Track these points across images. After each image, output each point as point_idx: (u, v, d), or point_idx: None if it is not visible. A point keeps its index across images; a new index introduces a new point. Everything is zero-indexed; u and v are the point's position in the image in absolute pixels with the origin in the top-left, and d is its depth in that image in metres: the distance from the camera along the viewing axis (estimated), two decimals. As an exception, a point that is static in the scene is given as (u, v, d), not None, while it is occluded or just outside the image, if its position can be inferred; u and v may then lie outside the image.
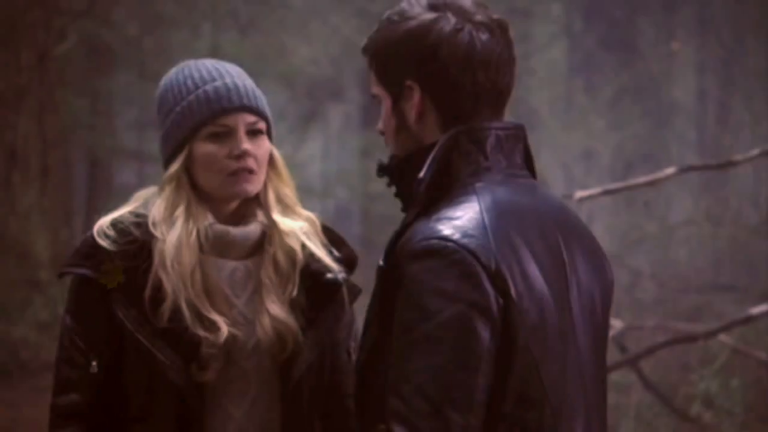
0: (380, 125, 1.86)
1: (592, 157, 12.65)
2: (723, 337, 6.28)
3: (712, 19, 13.41)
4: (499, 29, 1.79)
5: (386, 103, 1.84)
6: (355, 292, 2.22)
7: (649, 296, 8.36)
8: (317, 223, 2.24)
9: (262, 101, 2.19)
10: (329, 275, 2.17)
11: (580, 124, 12.51)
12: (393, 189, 1.85)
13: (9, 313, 7.68)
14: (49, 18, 8.19)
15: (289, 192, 2.21)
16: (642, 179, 4.61)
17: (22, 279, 7.91)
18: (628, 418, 6.25)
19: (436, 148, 1.76)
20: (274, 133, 2.21)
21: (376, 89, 1.85)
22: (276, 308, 2.10)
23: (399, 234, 1.76)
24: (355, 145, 13.86)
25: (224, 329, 2.05)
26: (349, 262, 2.23)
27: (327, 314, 2.16)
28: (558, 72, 13.34)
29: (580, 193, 4.60)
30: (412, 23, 1.79)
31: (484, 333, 1.66)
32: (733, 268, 11.02)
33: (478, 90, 1.77)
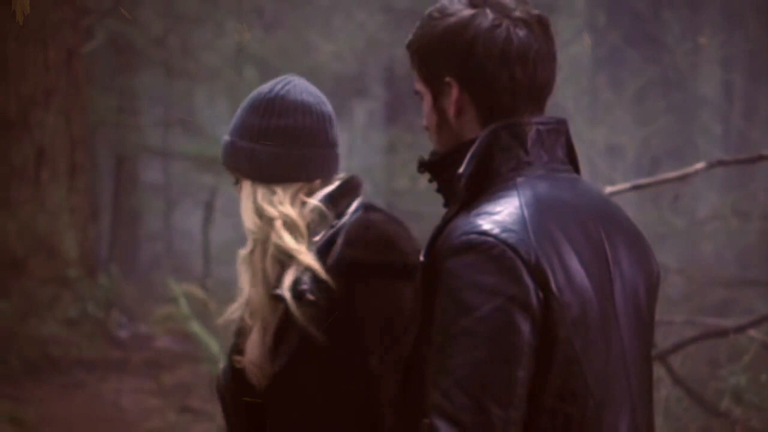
0: (424, 121, 1.88)
1: (618, 152, 12.61)
2: (751, 332, 6.26)
3: (739, 12, 13.35)
4: (538, 25, 1.80)
5: (427, 100, 1.85)
6: None
7: (676, 291, 8.34)
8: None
9: (237, 154, 2.31)
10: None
11: (605, 119, 12.48)
12: (434, 185, 1.86)
13: (39, 310, 7.73)
14: (77, 17, 8.24)
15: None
16: (671, 174, 4.59)
17: (52, 276, 7.96)
18: (657, 414, 6.22)
19: (476, 144, 1.77)
20: (255, 174, 2.31)
21: (419, 86, 1.86)
22: None
23: (440, 229, 1.77)
24: (379, 141, 13.87)
25: None
26: None
27: None
28: (582, 67, 13.31)
29: (609, 189, 4.58)
30: (451, 20, 1.80)
31: (524, 327, 1.66)
32: (760, 262, 10.96)
33: (515, 86, 1.77)
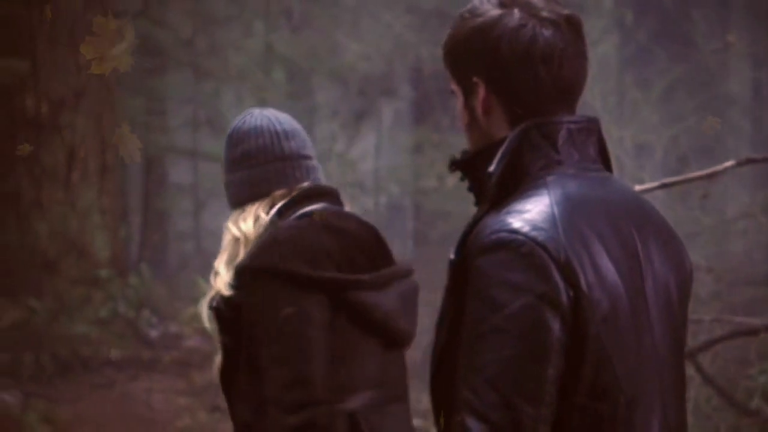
0: (459, 121, 1.90)
1: (646, 151, 12.56)
2: (781, 331, 6.22)
3: (767, 10, 13.26)
4: (566, 24, 1.80)
5: (459, 99, 1.87)
6: None
7: (705, 290, 8.29)
8: None
9: (224, 188, 2.67)
10: None
11: (633, 118, 12.43)
12: (464, 184, 1.87)
13: (70, 311, 7.78)
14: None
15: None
16: (700, 172, 4.58)
17: (83, 277, 8.02)
18: (687, 412, 6.20)
19: (506, 143, 1.78)
20: (233, 201, 2.63)
21: (452, 85, 1.88)
22: None
23: (470, 227, 1.78)
24: (406, 141, 13.87)
25: None
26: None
27: None
28: (610, 66, 13.26)
29: (637, 187, 4.57)
30: (479, 20, 1.81)
31: (554, 324, 1.67)
32: (790, 261, 10.90)
33: (539, 85, 1.78)
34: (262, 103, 11.69)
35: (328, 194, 2.60)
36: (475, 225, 1.77)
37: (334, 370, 2.42)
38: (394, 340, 2.54)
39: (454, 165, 1.86)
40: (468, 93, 1.84)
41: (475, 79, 1.82)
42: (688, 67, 12.57)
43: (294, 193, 2.56)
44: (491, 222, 1.74)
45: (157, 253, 11.55)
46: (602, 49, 12.74)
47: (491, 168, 1.77)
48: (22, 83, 7.86)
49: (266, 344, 2.39)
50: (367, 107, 13.73)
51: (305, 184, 2.57)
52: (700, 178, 4.62)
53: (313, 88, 14.02)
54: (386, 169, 13.65)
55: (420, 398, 8.73)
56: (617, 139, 11.66)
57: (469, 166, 1.85)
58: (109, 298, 8.04)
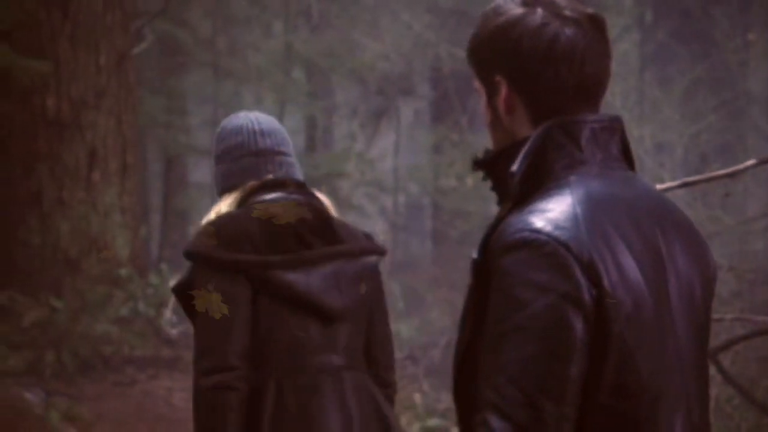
0: (484, 119, 1.90)
1: (666, 150, 12.52)
2: (803, 330, 6.18)
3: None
4: (589, 23, 1.80)
5: (482, 98, 1.87)
6: None
7: (726, 289, 8.26)
8: None
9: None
10: None
11: (654, 117, 12.39)
12: (485, 183, 1.87)
13: (91, 309, 7.81)
14: (127, 20, 8.33)
15: None
16: (721, 171, 4.56)
17: (104, 276, 8.05)
18: (710, 412, 6.18)
19: (529, 142, 1.78)
20: (218, 191, 3.01)
21: (476, 84, 1.88)
22: None
23: (493, 227, 1.78)
24: (425, 140, 13.87)
25: None
26: None
27: None
28: (630, 64, 13.22)
29: (658, 186, 4.56)
30: (501, 19, 1.81)
31: (576, 323, 1.67)
32: (811, 260, 10.84)
33: (560, 84, 1.78)
34: (282, 103, 11.72)
35: (285, 185, 2.90)
36: (498, 224, 1.77)
37: (259, 340, 2.77)
38: (323, 314, 2.82)
39: (477, 164, 1.86)
40: (491, 92, 1.84)
41: (497, 77, 1.82)
42: (709, 65, 12.52)
43: (256, 184, 2.90)
44: (514, 221, 1.73)
45: (177, 252, 11.57)
46: (622, 48, 12.71)
47: (514, 167, 1.77)
48: (44, 83, 7.90)
49: (194, 318, 2.81)
50: (386, 106, 13.73)
51: (270, 176, 2.90)
52: (722, 177, 4.60)
53: (333, 87, 14.04)
54: (405, 168, 13.65)
55: (440, 397, 8.73)
56: (637, 137, 11.63)
57: (491, 165, 1.84)
58: (130, 297, 8.07)
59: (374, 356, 2.97)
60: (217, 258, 2.76)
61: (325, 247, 2.84)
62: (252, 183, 2.89)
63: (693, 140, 12.32)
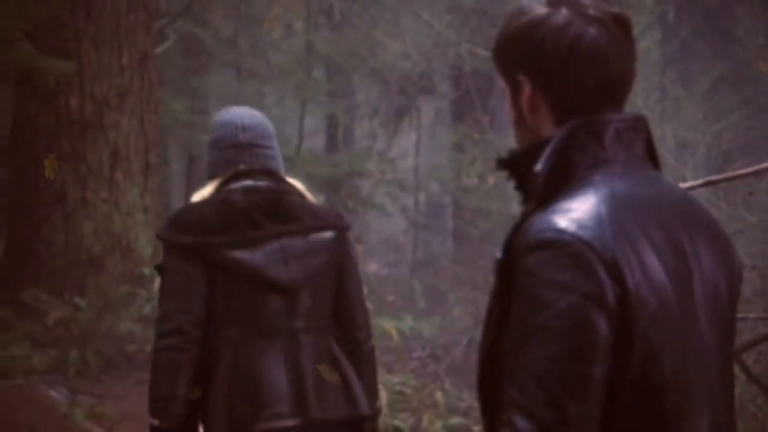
0: (509, 119, 1.90)
1: (688, 148, 12.46)
2: (827, 329, 6.14)
3: (811, 5, 13.10)
4: (614, 23, 1.79)
5: (508, 97, 1.87)
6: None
7: (749, 288, 8.22)
8: None
9: None
10: None
11: (676, 115, 12.34)
12: (508, 183, 1.87)
13: (115, 308, 7.85)
14: (150, 20, 8.36)
15: None
16: (746, 170, 4.55)
17: (127, 275, 8.09)
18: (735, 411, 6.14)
19: (553, 142, 1.78)
20: (208, 176, 3.38)
21: (501, 83, 1.89)
22: None
23: (517, 226, 1.78)
24: (446, 139, 13.86)
25: None
26: None
27: None
28: (652, 62, 13.17)
29: (681, 185, 4.54)
30: (526, 18, 1.82)
31: (600, 323, 1.66)
32: (835, 259, 10.77)
33: (584, 84, 1.77)
34: (303, 102, 11.73)
35: (253, 174, 3.24)
36: (522, 224, 1.77)
37: (219, 309, 3.13)
38: (274, 286, 3.16)
39: (501, 164, 1.86)
40: (515, 91, 1.84)
41: (521, 77, 1.82)
42: (732, 63, 12.46)
43: (231, 174, 3.24)
44: (538, 221, 1.73)
45: (199, 251, 11.59)
46: (644, 46, 12.66)
47: (538, 167, 1.77)
48: (67, 83, 7.94)
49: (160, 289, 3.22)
50: (407, 105, 13.73)
51: (242, 166, 3.24)
52: (746, 175, 4.59)
53: (354, 86, 14.04)
54: (426, 167, 13.64)
55: (461, 395, 8.72)
56: (659, 136, 11.58)
57: (516, 164, 1.84)
58: (153, 295, 8.10)
59: (348, 317, 3.30)
60: (168, 240, 3.15)
61: (275, 226, 3.19)
62: (230, 172, 3.25)
63: (715, 138, 12.26)
